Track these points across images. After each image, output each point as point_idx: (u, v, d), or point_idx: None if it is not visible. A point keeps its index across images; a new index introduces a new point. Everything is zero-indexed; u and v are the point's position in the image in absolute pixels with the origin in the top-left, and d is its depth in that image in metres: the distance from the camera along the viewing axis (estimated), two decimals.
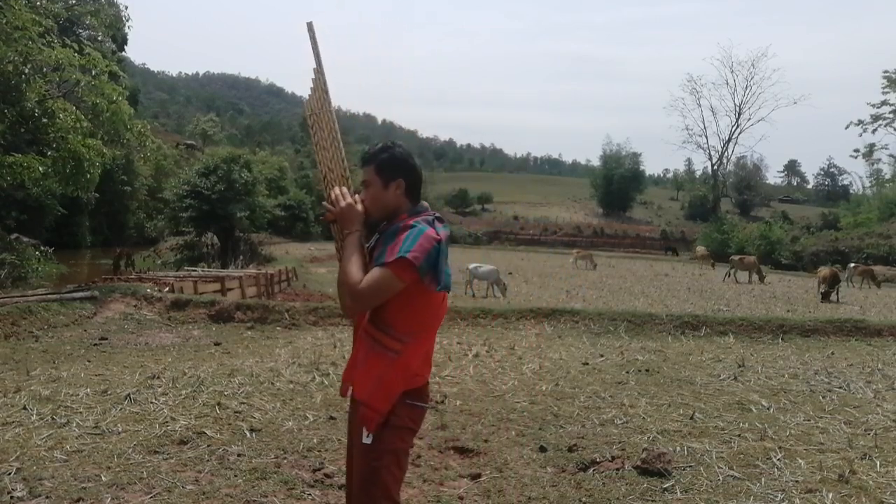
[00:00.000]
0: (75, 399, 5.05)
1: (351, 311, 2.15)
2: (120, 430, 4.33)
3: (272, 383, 5.74)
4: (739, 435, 4.55)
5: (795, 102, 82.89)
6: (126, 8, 32.03)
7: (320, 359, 6.84)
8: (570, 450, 4.19)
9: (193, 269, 18.87)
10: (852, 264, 25.09)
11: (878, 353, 8.02)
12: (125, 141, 14.10)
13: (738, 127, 62.70)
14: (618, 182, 61.63)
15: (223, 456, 3.93)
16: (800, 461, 4.01)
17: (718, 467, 3.89)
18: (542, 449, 4.21)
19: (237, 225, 24.93)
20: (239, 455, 3.95)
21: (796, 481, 3.69)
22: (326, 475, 3.68)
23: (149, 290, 10.60)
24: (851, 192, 69.08)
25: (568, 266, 27.97)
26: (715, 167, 64.24)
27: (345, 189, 2.25)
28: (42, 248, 16.80)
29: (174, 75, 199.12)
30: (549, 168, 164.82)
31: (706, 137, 66.69)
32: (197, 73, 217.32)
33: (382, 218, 2.23)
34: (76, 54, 12.09)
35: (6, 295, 9.72)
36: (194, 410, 4.82)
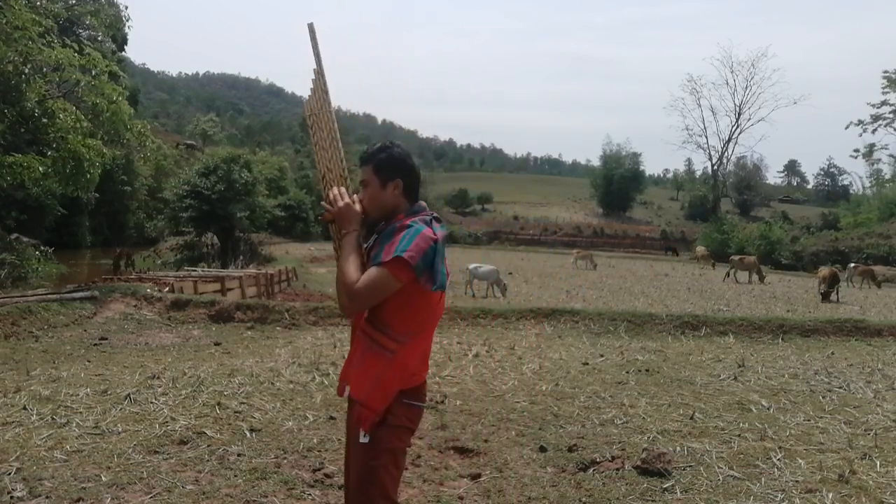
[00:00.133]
0: (75, 399, 5.05)
1: (348, 310, 2.16)
2: (120, 430, 4.33)
3: (272, 383, 5.74)
4: (739, 435, 4.55)
5: (795, 102, 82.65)
6: (126, 8, 32.08)
7: (320, 359, 6.84)
8: (570, 450, 4.19)
9: (193, 269, 18.87)
10: (852, 264, 25.09)
11: (878, 353, 8.02)
12: (125, 141, 14.11)
13: (738, 127, 62.69)
14: (618, 182, 61.62)
15: (223, 456, 3.93)
16: (800, 461, 4.01)
17: (718, 467, 3.89)
18: (542, 449, 4.21)
19: (237, 225, 24.93)
20: (239, 455, 3.95)
21: (796, 481, 3.69)
22: (326, 475, 3.68)
23: (149, 290, 10.60)
24: (851, 192, 69.10)
25: (568, 266, 27.97)
26: (715, 167, 64.25)
27: (343, 189, 2.26)
28: (42, 248, 16.81)
29: (174, 75, 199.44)
30: (549, 168, 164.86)
31: (706, 137, 66.71)
32: (197, 73, 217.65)
33: (380, 218, 2.24)
34: (76, 54, 12.09)
35: (6, 295, 9.72)
36: (194, 410, 4.82)
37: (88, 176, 12.25)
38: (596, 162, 73.89)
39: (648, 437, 4.46)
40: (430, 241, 2.09)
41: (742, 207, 66.31)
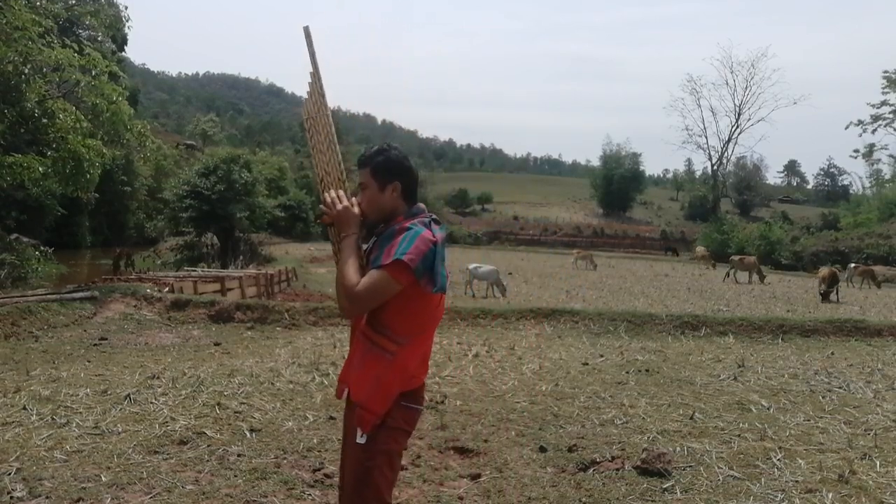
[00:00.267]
0: (75, 399, 5.05)
1: (349, 313, 2.16)
2: (120, 430, 4.33)
3: (272, 383, 5.74)
4: (739, 435, 4.55)
5: (795, 102, 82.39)
6: (126, 8, 32.06)
7: (320, 359, 6.84)
8: (570, 450, 4.19)
9: (193, 269, 18.86)
10: (852, 264, 25.10)
11: (878, 353, 8.02)
12: (125, 141, 14.10)
13: (737, 127, 62.67)
14: (618, 182, 61.63)
15: (223, 456, 3.93)
16: (800, 461, 4.01)
17: (718, 467, 3.89)
18: (542, 449, 4.21)
19: (237, 225, 24.93)
20: (239, 455, 3.95)
21: (796, 481, 3.69)
22: (326, 475, 3.68)
23: (149, 291, 10.60)
24: (851, 192, 69.12)
25: (568, 266, 27.97)
26: (715, 167, 64.23)
27: (341, 192, 2.26)
28: (42, 248, 16.81)
29: (174, 75, 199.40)
30: (549, 168, 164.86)
31: (706, 138, 66.67)
32: (197, 74, 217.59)
33: (379, 220, 2.24)
34: (76, 54, 12.09)
35: (6, 295, 9.72)
36: (194, 410, 4.82)
37: (88, 176, 12.25)
38: (596, 162, 73.96)
39: (648, 437, 4.46)
40: (430, 243, 2.10)
41: (742, 207, 66.32)
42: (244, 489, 3.48)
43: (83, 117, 11.96)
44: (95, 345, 7.80)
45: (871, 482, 3.68)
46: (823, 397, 5.73)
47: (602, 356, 7.45)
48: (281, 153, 60.77)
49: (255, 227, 27.17)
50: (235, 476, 3.64)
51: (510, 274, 21.03)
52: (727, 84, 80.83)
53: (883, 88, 50.93)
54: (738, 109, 62.55)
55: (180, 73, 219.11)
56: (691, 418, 4.94)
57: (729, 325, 9.39)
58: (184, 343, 8.13)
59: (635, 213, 64.57)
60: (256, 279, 15.16)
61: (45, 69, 12.03)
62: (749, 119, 63.95)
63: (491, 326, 9.43)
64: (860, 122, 54.22)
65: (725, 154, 64.25)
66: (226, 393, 5.34)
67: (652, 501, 3.46)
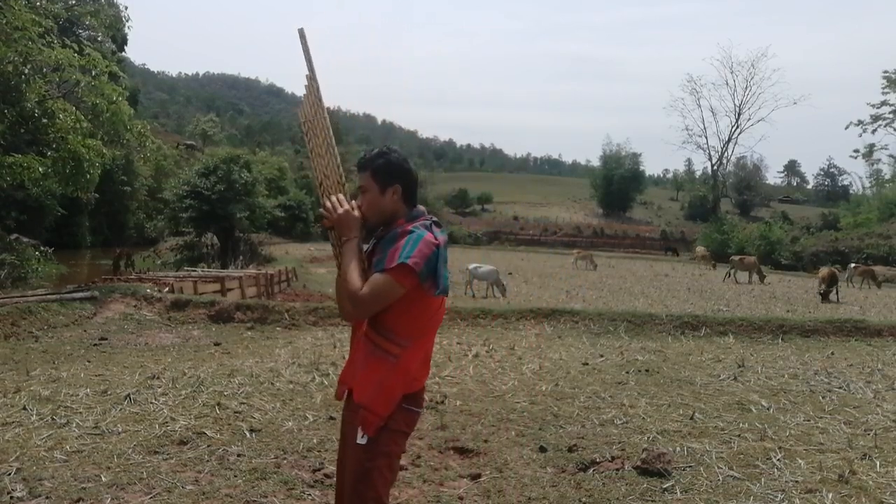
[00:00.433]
0: (75, 399, 5.05)
1: (352, 317, 2.17)
2: (120, 430, 4.33)
3: (272, 383, 5.74)
4: (739, 435, 4.55)
5: (795, 103, 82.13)
6: (126, 8, 32.11)
7: (320, 359, 6.84)
8: (570, 450, 4.19)
9: (193, 269, 18.86)
10: (852, 264, 25.10)
11: (878, 353, 8.02)
12: (125, 141, 14.10)
13: (737, 127, 62.71)
14: (618, 182, 61.61)
15: (223, 456, 3.93)
16: (800, 461, 4.01)
17: (718, 467, 3.89)
18: (542, 449, 4.21)
19: (237, 225, 24.93)
20: (239, 455, 3.95)
21: (796, 481, 3.69)
22: (326, 475, 3.68)
23: (149, 291, 10.60)
24: (851, 192, 69.11)
25: (568, 266, 27.98)
26: (715, 167, 64.26)
27: (341, 196, 2.25)
28: (42, 248, 16.80)
29: (174, 75, 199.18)
30: (549, 168, 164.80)
31: (706, 138, 66.65)
32: (197, 74, 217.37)
33: (380, 223, 2.24)
34: (76, 55, 12.09)
35: (6, 295, 9.73)
36: (194, 411, 4.82)
37: (88, 176, 12.25)
38: (596, 162, 73.89)
39: (648, 438, 4.47)
40: (433, 246, 2.10)
41: (742, 208, 66.30)
42: (244, 489, 3.48)
43: (83, 117, 11.96)
44: (95, 345, 7.80)
45: (871, 482, 3.69)
46: (823, 397, 5.73)
47: (602, 356, 7.45)
48: (281, 153, 60.79)
49: (255, 228, 27.16)
50: (235, 476, 3.64)
51: (510, 274, 21.03)
52: (727, 84, 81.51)
53: (883, 88, 51.03)
54: (738, 109, 62.67)
55: (180, 73, 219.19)
56: (691, 418, 4.94)
57: (729, 325, 9.39)
58: (184, 343, 8.13)
59: (635, 213, 64.57)
60: (256, 279, 15.16)
61: (45, 69, 12.04)
62: (749, 119, 64.00)
63: (491, 326, 9.43)
64: (860, 122, 54.33)
65: (725, 154, 64.37)
66: (226, 393, 5.34)
67: (652, 501, 3.46)
